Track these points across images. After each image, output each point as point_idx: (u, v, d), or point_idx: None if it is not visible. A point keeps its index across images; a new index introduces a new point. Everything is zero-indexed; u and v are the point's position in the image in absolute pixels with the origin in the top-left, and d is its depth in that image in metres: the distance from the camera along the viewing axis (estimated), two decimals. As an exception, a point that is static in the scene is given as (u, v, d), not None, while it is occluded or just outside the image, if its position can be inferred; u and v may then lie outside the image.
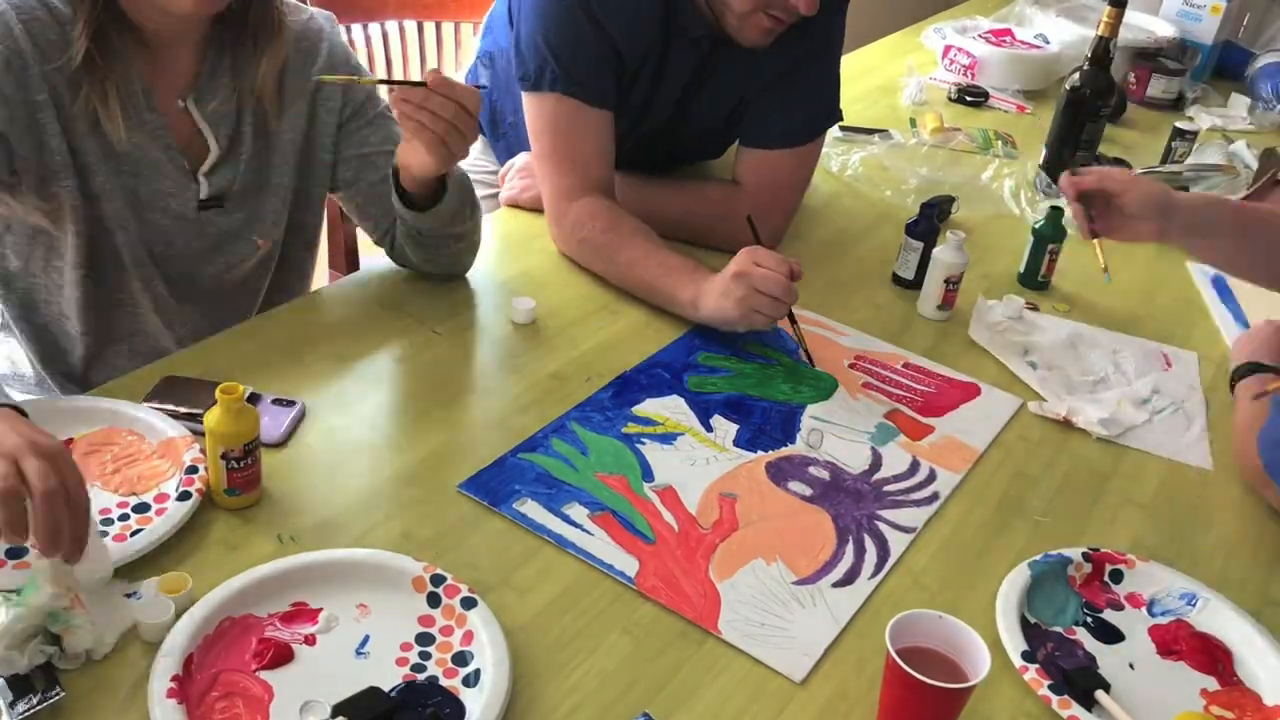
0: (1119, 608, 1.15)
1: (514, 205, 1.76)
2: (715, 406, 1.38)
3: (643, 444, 1.29)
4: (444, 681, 0.96)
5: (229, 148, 1.38)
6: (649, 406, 1.36)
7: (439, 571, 1.04)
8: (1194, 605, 1.13)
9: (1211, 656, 1.09)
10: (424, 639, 1.00)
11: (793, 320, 1.48)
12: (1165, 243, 1.40)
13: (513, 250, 1.68)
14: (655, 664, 1.02)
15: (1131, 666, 1.08)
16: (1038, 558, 1.17)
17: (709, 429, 1.34)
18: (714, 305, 1.43)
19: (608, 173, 1.59)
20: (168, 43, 1.29)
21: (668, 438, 1.31)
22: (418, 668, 0.97)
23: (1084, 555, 1.18)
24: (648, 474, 1.25)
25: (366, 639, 0.99)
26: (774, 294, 1.39)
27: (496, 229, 1.72)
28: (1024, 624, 1.10)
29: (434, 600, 1.03)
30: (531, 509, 1.17)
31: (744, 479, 1.27)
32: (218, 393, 1.07)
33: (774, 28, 1.49)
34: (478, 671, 0.97)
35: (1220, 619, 1.12)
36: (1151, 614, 1.14)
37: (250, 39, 1.33)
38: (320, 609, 1.01)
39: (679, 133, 1.70)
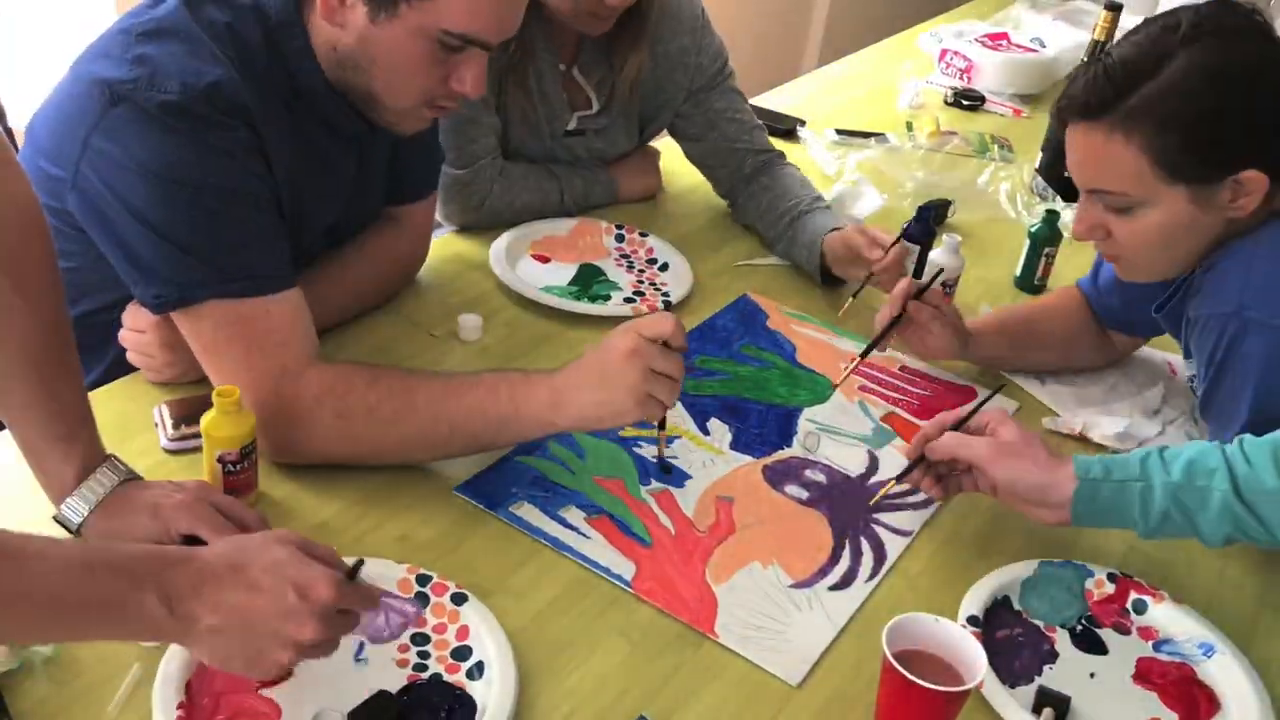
0: (1124, 632, 1.13)
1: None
2: (712, 409, 1.38)
3: (639, 447, 1.29)
4: (448, 677, 0.97)
5: (604, 106, 1.74)
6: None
7: (423, 571, 1.05)
8: (1210, 656, 1.09)
9: (1192, 701, 1.06)
10: (419, 639, 1.00)
11: (661, 425, 1.23)
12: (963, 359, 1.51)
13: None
14: (652, 667, 1.02)
15: (1092, 675, 1.07)
16: (1056, 561, 1.17)
17: (705, 432, 1.34)
18: (592, 401, 1.11)
19: (315, 340, 1.21)
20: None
21: (664, 441, 1.31)
22: (419, 667, 0.97)
23: (1109, 575, 1.16)
24: (644, 477, 1.25)
25: (361, 645, 0.99)
26: (672, 374, 1.12)
27: (492, 232, 1.72)
28: (1001, 603, 1.12)
29: (422, 600, 1.03)
30: (528, 512, 1.17)
31: (740, 482, 1.27)
32: (214, 396, 1.06)
33: (437, 115, 1.29)
34: (480, 664, 0.97)
35: (1227, 673, 1.07)
36: (1156, 650, 1.11)
37: (625, 35, 1.64)
38: None
39: (348, 222, 1.42)
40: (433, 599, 1.03)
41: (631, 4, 1.56)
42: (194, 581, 0.82)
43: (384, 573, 1.04)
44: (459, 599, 1.02)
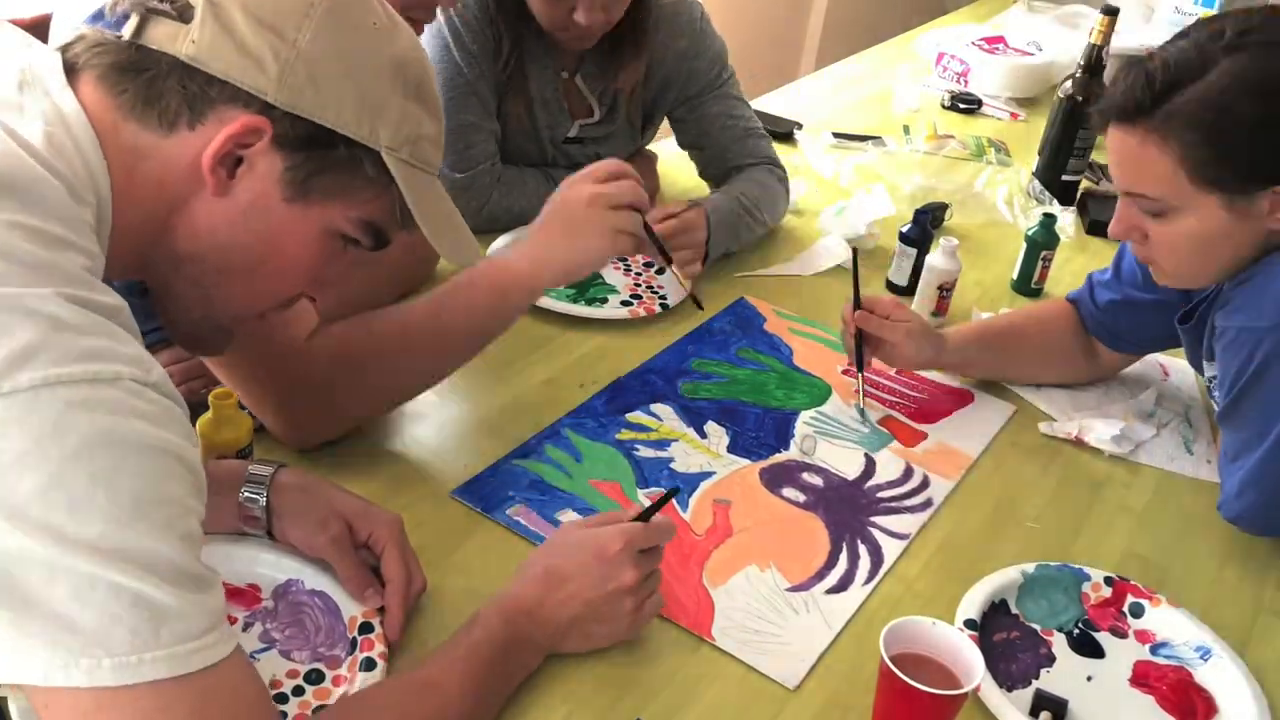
0: (1121, 635, 1.13)
1: None
2: (709, 413, 1.38)
3: (636, 450, 1.29)
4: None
5: (605, 114, 1.75)
6: (642, 413, 1.36)
7: (369, 621, 1.00)
8: (1207, 660, 1.09)
9: (1189, 704, 1.05)
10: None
11: (652, 235, 1.32)
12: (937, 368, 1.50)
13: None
14: (649, 671, 1.02)
15: (1089, 679, 1.07)
16: (1053, 565, 1.17)
17: (702, 435, 1.34)
18: (571, 251, 1.23)
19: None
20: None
21: (661, 444, 1.31)
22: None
23: (1106, 579, 1.16)
24: (642, 480, 1.25)
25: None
26: (632, 202, 1.26)
27: (489, 235, 1.72)
28: (997, 607, 1.12)
29: (354, 645, 0.99)
30: (525, 515, 1.17)
31: (737, 485, 1.27)
32: (211, 398, 1.06)
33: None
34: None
35: (1224, 676, 1.07)
36: (1153, 653, 1.11)
37: (625, 45, 1.65)
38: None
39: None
40: (357, 651, 0.98)
41: (613, 24, 1.56)
42: (532, 610, 0.96)
43: (348, 603, 1.01)
44: (369, 665, 0.96)
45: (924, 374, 1.51)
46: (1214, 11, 2.69)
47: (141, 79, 0.79)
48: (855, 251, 1.50)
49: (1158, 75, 1.13)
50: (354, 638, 0.98)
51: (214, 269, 0.86)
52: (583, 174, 1.27)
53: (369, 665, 0.95)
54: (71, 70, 0.80)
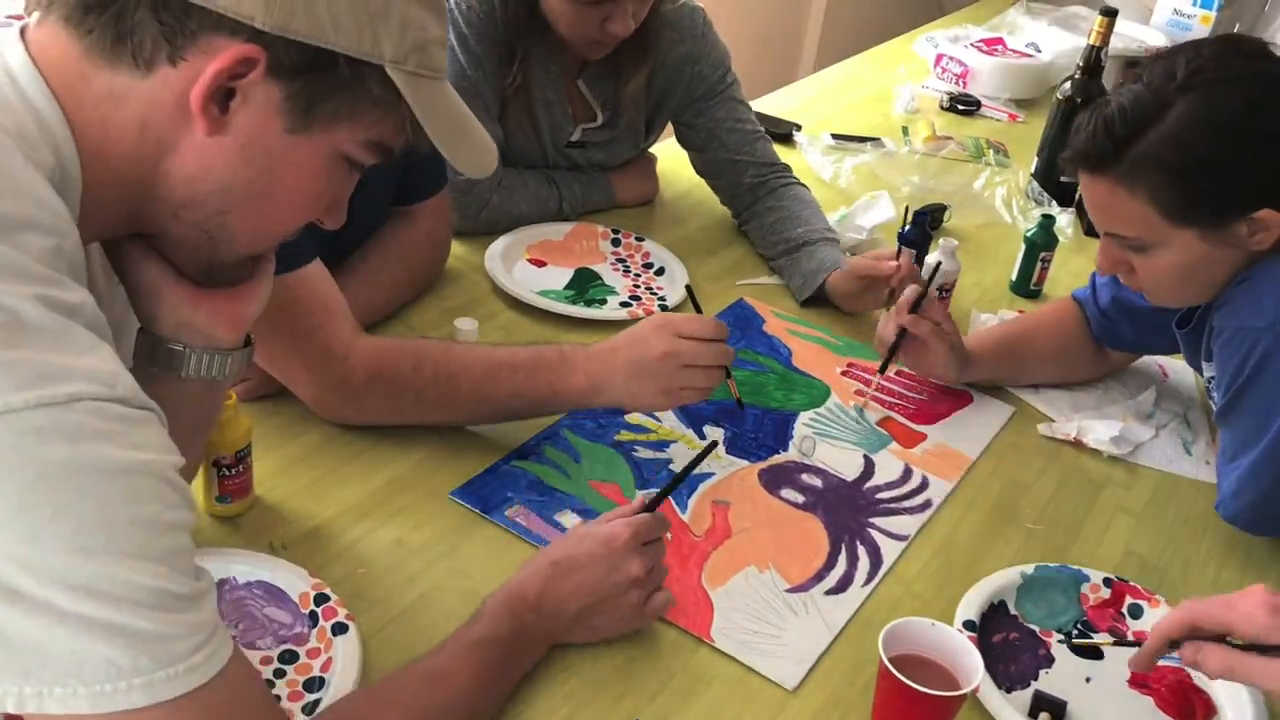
0: (1120, 636, 1.13)
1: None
2: (708, 414, 1.38)
3: (635, 451, 1.29)
4: (284, 704, 0.94)
5: (608, 119, 1.75)
6: (641, 414, 1.36)
7: (325, 591, 1.02)
8: None
9: (1188, 705, 1.05)
10: (288, 656, 0.98)
11: (728, 374, 1.29)
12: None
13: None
14: (648, 672, 1.02)
15: (1088, 680, 1.07)
16: (1052, 566, 1.17)
17: (701, 436, 1.34)
18: (626, 392, 1.21)
19: (349, 314, 1.23)
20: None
21: (660, 445, 1.31)
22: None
23: (1105, 580, 1.16)
24: (641, 481, 1.25)
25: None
26: (708, 365, 1.23)
27: (488, 236, 1.72)
28: (997, 607, 1.12)
29: (312, 619, 1.00)
30: (524, 516, 1.17)
31: (737, 486, 1.27)
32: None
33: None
34: (318, 703, 0.94)
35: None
36: None
37: (631, 49, 1.64)
38: None
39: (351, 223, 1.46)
40: (321, 621, 1.00)
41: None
42: (537, 604, 0.98)
43: (293, 582, 1.03)
44: (340, 629, 0.99)
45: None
46: (1213, 14, 2.69)
47: (108, 14, 0.71)
48: (939, 263, 1.52)
49: (1116, 123, 1.15)
50: (312, 610, 1.00)
51: (216, 211, 0.79)
52: (669, 321, 1.23)
53: (340, 629, 0.98)
54: (39, 24, 0.73)
